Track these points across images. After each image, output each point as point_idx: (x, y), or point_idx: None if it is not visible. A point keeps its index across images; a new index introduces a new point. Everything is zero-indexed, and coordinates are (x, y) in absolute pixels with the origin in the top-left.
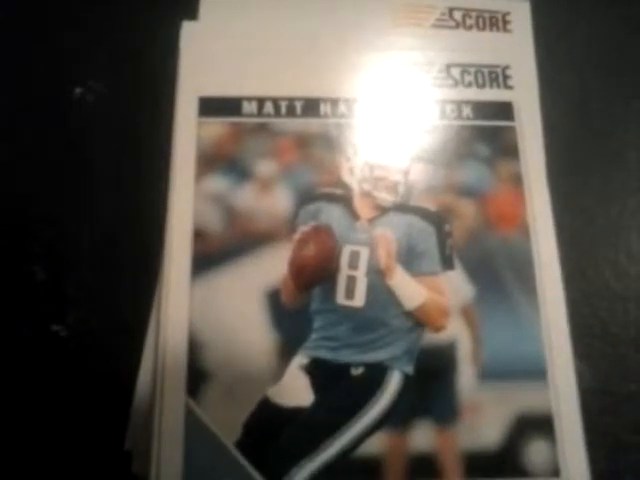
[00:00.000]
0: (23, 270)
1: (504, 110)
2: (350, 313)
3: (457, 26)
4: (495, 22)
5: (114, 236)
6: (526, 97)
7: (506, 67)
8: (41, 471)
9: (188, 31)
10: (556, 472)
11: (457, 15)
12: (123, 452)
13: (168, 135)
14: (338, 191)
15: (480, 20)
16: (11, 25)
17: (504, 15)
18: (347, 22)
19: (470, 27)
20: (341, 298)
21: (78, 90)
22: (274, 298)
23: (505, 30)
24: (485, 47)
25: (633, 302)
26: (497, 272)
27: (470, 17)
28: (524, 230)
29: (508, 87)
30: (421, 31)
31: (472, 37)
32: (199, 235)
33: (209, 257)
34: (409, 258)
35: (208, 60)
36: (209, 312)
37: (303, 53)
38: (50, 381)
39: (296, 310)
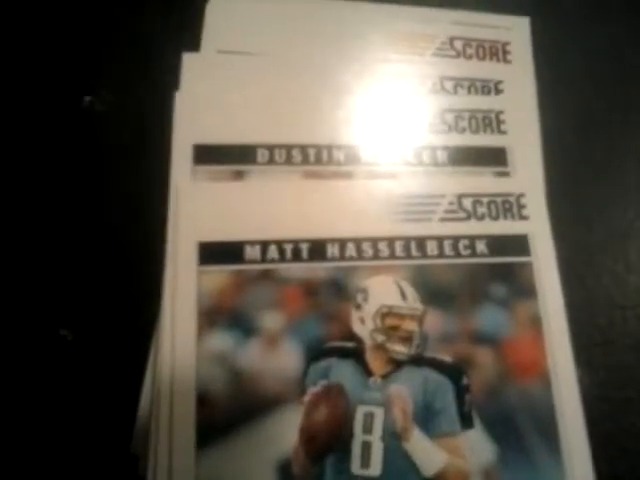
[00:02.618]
0: (30, 275)
1: (520, 244)
2: None
3: (457, 55)
4: (495, 52)
5: (121, 245)
6: (540, 228)
7: (520, 195)
8: (48, 473)
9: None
10: None
11: (458, 44)
12: (130, 454)
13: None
14: (349, 344)
15: (480, 50)
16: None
17: (504, 45)
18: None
19: (470, 57)
20: (356, 467)
21: (87, 99)
22: (285, 470)
23: (505, 60)
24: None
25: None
26: (518, 429)
27: (470, 46)
28: (545, 380)
29: (523, 217)
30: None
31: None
32: (203, 402)
33: (214, 427)
34: (426, 417)
35: (206, 203)
36: None
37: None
38: (57, 383)
39: None
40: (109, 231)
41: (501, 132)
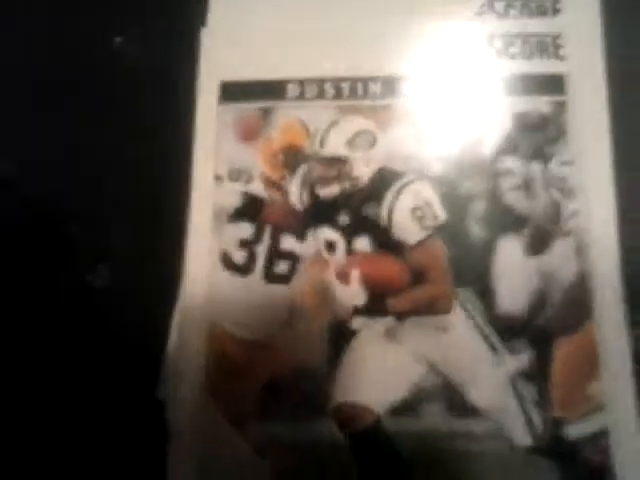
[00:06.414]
0: (58, 222)
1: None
2: None
3: (499, 18)
4: (544, 11)
5: (147, 190)
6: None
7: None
8: (73, 419)
9: None
10: None
11: (498, 6)
12: (155, 400)
13: None
14: None
15: (525, 9)
16: None
17: (554, 2)
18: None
19: (515, 18)
20: None
21: (118, 40)
22: None
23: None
24: None
25: None
26: None
27: (513, 7)
28: None
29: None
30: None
31: None
32: None
33: None
34: None
35: None
36: None
37: None
38: (84, 329)
39: None
40: (132, 167)
41: (559, 57)
